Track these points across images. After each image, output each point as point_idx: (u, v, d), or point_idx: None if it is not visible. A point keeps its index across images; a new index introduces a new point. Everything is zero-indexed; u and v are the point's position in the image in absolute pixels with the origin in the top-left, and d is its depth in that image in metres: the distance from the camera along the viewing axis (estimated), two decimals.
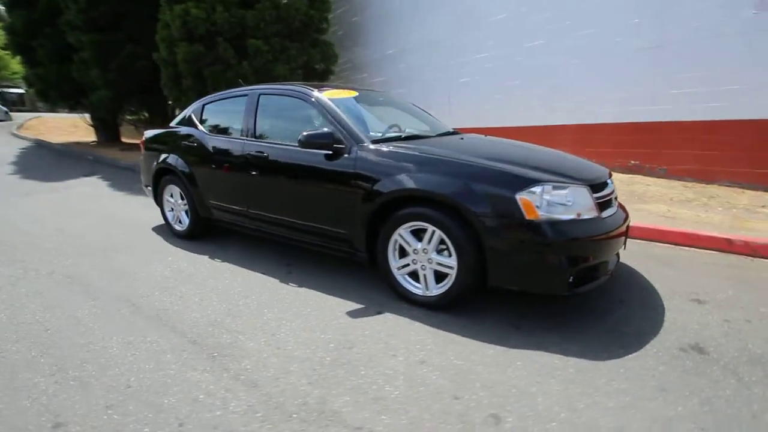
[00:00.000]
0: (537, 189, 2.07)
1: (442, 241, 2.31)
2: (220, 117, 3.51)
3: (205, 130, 3.51)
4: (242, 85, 3.91)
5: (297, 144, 2.75)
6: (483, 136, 3.13)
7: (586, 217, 2.15)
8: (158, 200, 4.03)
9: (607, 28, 5.89)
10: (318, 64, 9.12)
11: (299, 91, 2.94)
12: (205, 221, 3.68)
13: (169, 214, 3.97)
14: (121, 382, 1.82)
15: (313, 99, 2.84)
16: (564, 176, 2.21)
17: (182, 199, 3.76)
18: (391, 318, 2.36)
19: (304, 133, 2.59)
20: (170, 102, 10.99)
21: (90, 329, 2.28)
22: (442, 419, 1.58)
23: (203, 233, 3.83)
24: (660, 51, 5.44)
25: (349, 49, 10.34)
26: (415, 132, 3.12)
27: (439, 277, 2.39)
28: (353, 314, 2.41)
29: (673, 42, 5.30)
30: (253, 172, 3.06)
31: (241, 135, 3.19)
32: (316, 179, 2.72)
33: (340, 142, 2.62)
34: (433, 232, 2.30)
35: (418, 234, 2.41)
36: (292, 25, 8.10)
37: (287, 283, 2.86)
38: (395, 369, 1.89)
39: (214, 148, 3.35)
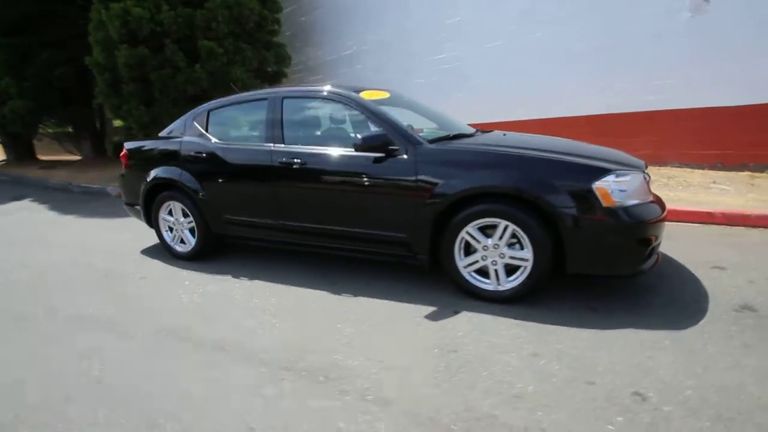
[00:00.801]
0: (610, 178, 2.21)
1: (512, 235, 2.36)
2: (233, 124, 3.24)
3: (215, 139, 3.20)
4: (236, 91, 3.66)
5: (345, 148, 2.67)
6: (520, 133, 3.24)
7: (644, 201, 2.34)
8: (151, 220, 3.60)
9: (560, 30, 6.38)
10: (271, 67, 8.77)
11: (337, 93, 2.81)
12: (217, 238, 3.37)
13: (166, 234, 3.56)
14: (238, 426, 1.61)
15: (355, 101, 2.73)
16: (623, 164, 2.38)
17: (185, 216, 3.40)
18: (472, 316, 2.36)
19: (360, 136, 2.49)
20: (102, 112, 9.82)
21: (154, 372, 1.98)
22: (594, 405, 1.63)
23: (210, 252, 3.51)
24: (609, 50, 6.03)
25: (299, 51, 10.03)
26: (447, 132, 3.12)
27: (509, 271, 2.44)
28: (432, 317, 2.37)
29: (620, 42, 5.91)
30: (286, 181, 2.86)
31: (266, 142, 2.96)
32: (368, 183, 2.62)
33: (392, 143, 2.55)
34: (506, 226, 2.34)
35: (484, 230, 2.44)
36: (247, 26, 7.68)
37: (340, 294, 2.73)
38: (513, 365, 1.90)
39: (231, 157, 3.07)
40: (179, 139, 3.36)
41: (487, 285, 2.49)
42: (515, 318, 2.31)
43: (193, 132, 3.31)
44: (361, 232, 2.73)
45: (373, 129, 2.60)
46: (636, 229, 2.21)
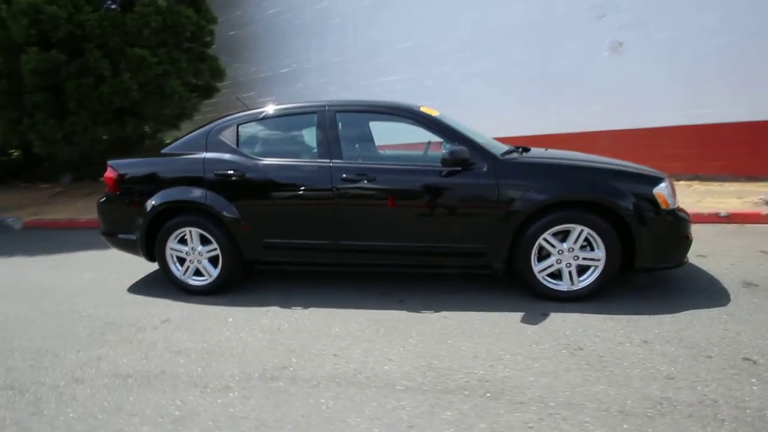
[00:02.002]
0: (663, 184, 2.62)
1: (584, 238, 2.61)
2: (273, 139, 2.95)
3: (253, 156, 2.87)
4: (244, 105, 3.37)
5: (414, 163, 2.65)
6: (555, 149, 3.53)
7: (678, 204, 2.80)
8: (153, 252, 3.03)
9: (501, 60, 7.20)
10: (203, 80, 8.11)
11: (402, 109, 2.79)
12: (247, 266, 3.00)
13: (174, 267, 3.03)
14: None
15: (426, 117, 2.75)
16: (659, 173, 2.82)
17: (204, 244, 2.96)
18: (565, 317, 2.51)
19: (447, 151, 2.51)
20: None
21: (297, 421, 1.70)
22: (729, 373, 1.89)
23: (233, 284, 3.09)
24: (543, 80, 7.00)
25: (227, 66, 9.42)
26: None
27: (579, 271, 2.68)
28: (529, 322, 2.47)
29: (553, 73, 6.91)
30: (351, 199, 2.72)
31: (321, 158, 2.77)
32: (447, 197, 2.65)
33: (470, 158, 2.63)
34: (581, 231, 2.58)
35: (555, 236, 2.65)
36: (183, 36, 6.99)
37: (419, 312, 2.66)
38: (640, 353, 2.09)
39: (278, 175, 2.80)
40: (200, 156, 2.93)
41: (561, 286, 2.69)
42: (600, 313, 2.53)
43: (221, 148, 2.92)
44: (437, 246, 2.72)
45: (454, 145, 2.64)
46: (684, 226, 2.64)
